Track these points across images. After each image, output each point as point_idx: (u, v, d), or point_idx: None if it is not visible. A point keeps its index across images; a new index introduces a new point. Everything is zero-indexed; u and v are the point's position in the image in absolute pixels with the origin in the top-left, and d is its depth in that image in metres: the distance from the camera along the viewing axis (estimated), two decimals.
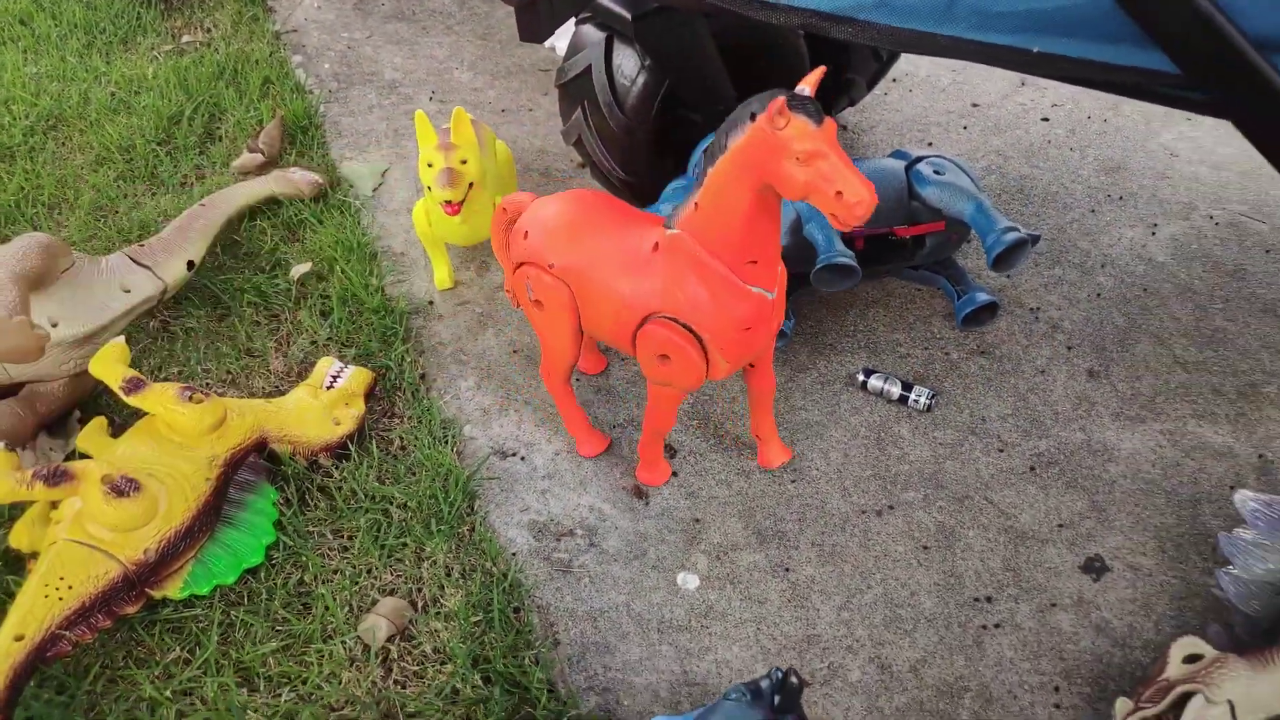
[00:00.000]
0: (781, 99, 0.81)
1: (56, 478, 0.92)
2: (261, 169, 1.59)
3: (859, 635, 0.96)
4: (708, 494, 1.10)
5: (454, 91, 1.81)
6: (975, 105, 1.76)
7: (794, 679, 0.78)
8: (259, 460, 1.08)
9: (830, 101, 1.58)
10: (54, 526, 0.94)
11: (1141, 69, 0.82)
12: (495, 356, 1.28)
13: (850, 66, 1.52)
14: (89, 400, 1.20)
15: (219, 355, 1.27)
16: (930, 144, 1.65)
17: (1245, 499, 0.96)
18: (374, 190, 1.57)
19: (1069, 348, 1.27)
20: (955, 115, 1.73)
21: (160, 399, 1.02)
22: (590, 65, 1.30)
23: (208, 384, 1.24)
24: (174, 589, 0.96)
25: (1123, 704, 0.87)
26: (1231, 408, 1.18)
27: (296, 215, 1.48)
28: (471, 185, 1.22)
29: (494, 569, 1.01)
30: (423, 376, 1.25)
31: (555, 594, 1.00)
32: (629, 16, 1.17)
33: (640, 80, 1.27)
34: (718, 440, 1.16)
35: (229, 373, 1.25)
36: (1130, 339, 1.28)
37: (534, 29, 1.06)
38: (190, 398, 1.03)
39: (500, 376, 1.25)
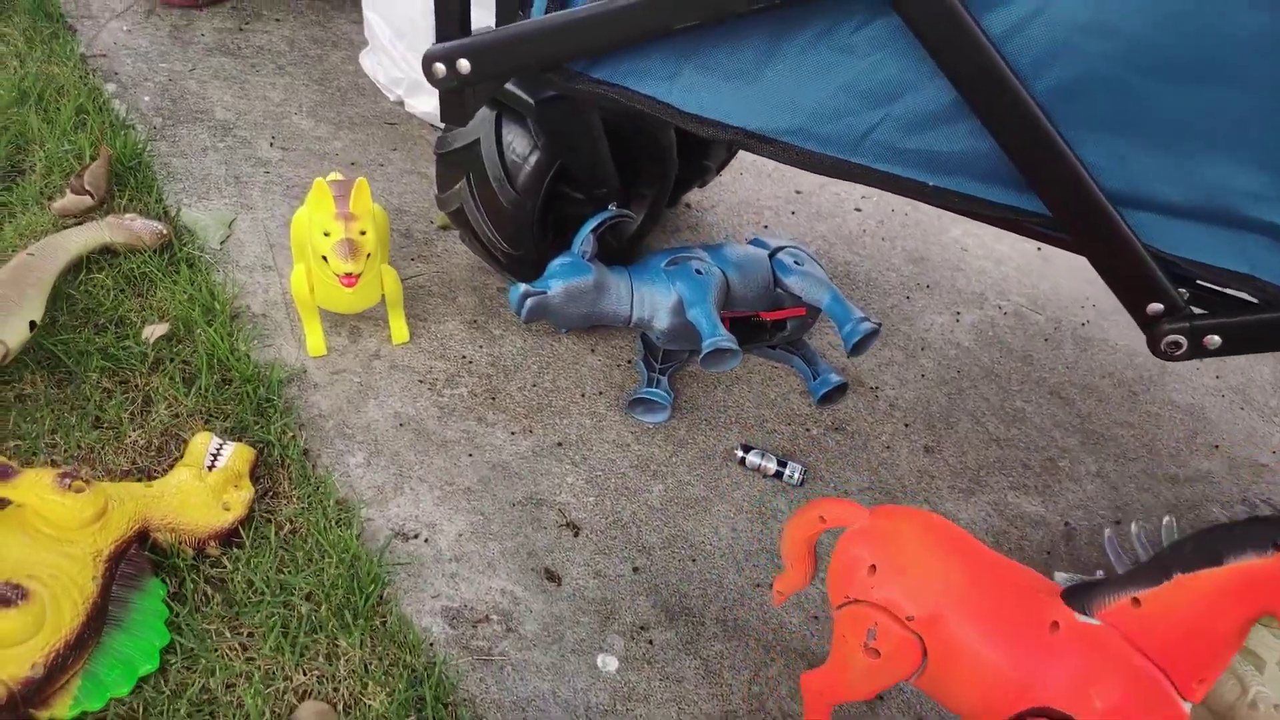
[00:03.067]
0: None
1: None
2: (88, 213, 1.44)
3: (770, 709, 1.04)
4: (614, 572, 1.14)
5: (296, 139, 1.74)
6: (798, 192, 1.94)
7: None
8: (141, 552, 0.99)
9: (686, 185, 1.68)
10: None
11: (1020, 209, 0.98)
12: (382, 430, 1.24)
13: (708, 155, 1.63)
14: None
15: (65, 428, 1.14)
16: (765, 226, 1.80)
17: (1059, 578, 1.15)
18: (221, 243, 1.47)
19: (906, 425, 1.44)
20: (783, 200, 1.90)
21: (35, 488, 0.92)
22: (479, 139, 1.31)
23: (54, 460, 1.11)
24: (62, 708, 0.86)
25: None
26: (1038, 480, 1.39)
27: (139, 268, 1.36)
28: (369, 255, 1.19)
29: (415, 663, 0.99)
30: (306, 452, 1.19)
31: (479, 684, 1.00)
32: (532, 101, 1.20)
33: (532, 158, 1.30)
34: (616, 518, 1.20)
35: (79, 447, 1.13)
36: (953, 417, 1.47)
37: (458, 114, 1.07)
38: (69, 485, 0.93)
39: (389, 452, 1.22)
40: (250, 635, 0.98)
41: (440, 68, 1.02)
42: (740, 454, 1.31)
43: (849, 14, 0.91)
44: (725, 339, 1.24)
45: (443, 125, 1.42)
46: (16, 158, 1.52)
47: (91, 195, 1.45)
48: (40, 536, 0.92)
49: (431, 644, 1.02)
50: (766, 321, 1.44)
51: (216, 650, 0.96)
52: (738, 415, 1.39)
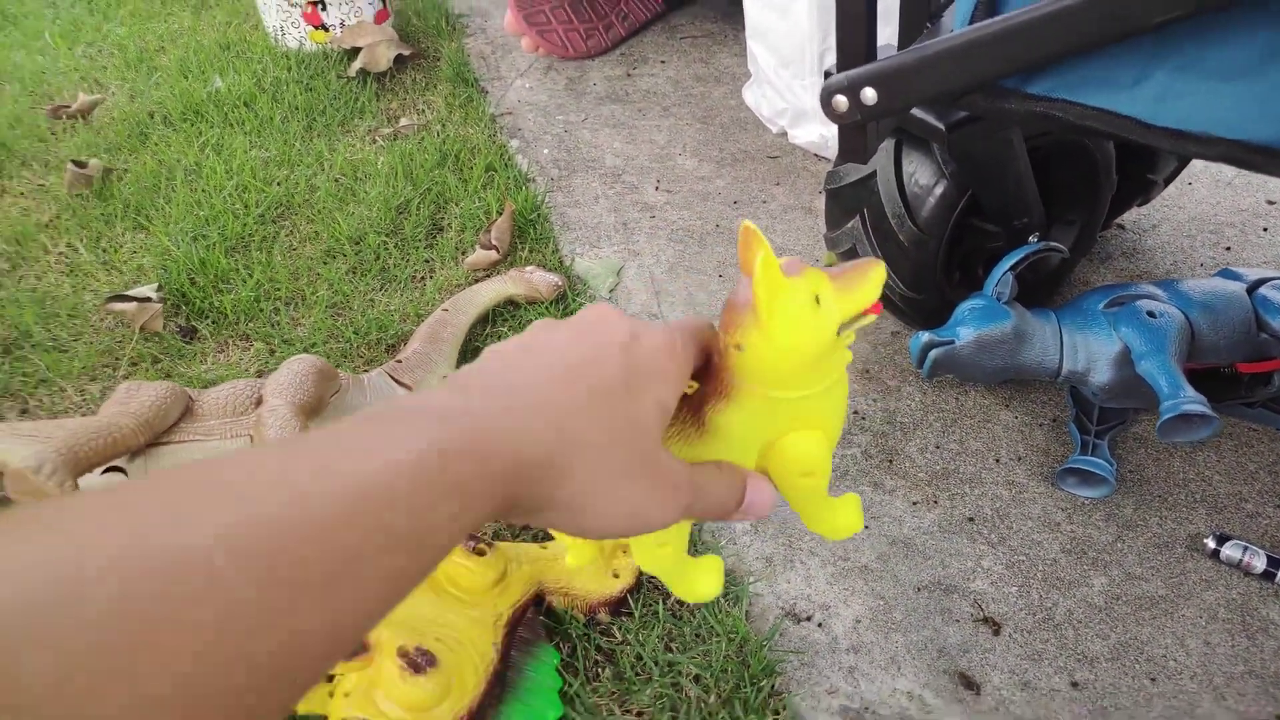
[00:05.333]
0: None
1: (355, 650, 0.84)
2: (494, 267, 1.52)
3: None
4: (1047, 686, 0.94)
5: (680, 181, 1.72)
6: (1271, 203, 1.56)
7: None
8: (537, 617, 0.98)
9: (1125, 204, 1.41)
10: (340, 698, 0.86)
11: None
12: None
13: (1153, 167, 1.36)
14: None
15: None
16: (1228, 249, 1.47)
17: None
18: (610, 291, 1.48)
19: None
20: (1249, 215, 1.54)
21: None
22: (875, 171, 1.18)
23: None
24: None
25: None
26: None
27: (537, 319, 1.40)
28: None
29: None
30: None
31: None
32: (943, 126, 1.05)
33: (939, 189, 1.14)
34: (1047, 616, 1.00)
35: None
36: None
37: (858, 150, 0.95)
38: (474, 548, 0.94)
39: (778, 519, 1.12)
40: (639, 716, 0.93)
41: (841, 100, 0.90)
42: (1213, 544, 1.04)
43: None
44: (1193, 401, 0.99)
45: (826, 155, 1.32)
46: (437, 216, 1.66)
47: (497, 250, 1.53)
48: (446, 597, 0.94)
49: None
50: (1242, 374, 1.15)
51: None
52: (1204, 492, 1.12)
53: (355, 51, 2.13)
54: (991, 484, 1.15)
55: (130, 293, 1.47)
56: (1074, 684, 0.94)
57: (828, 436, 0.44)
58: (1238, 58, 0.72)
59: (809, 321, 0.38)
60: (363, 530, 0.23)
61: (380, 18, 2.18)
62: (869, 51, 0.89)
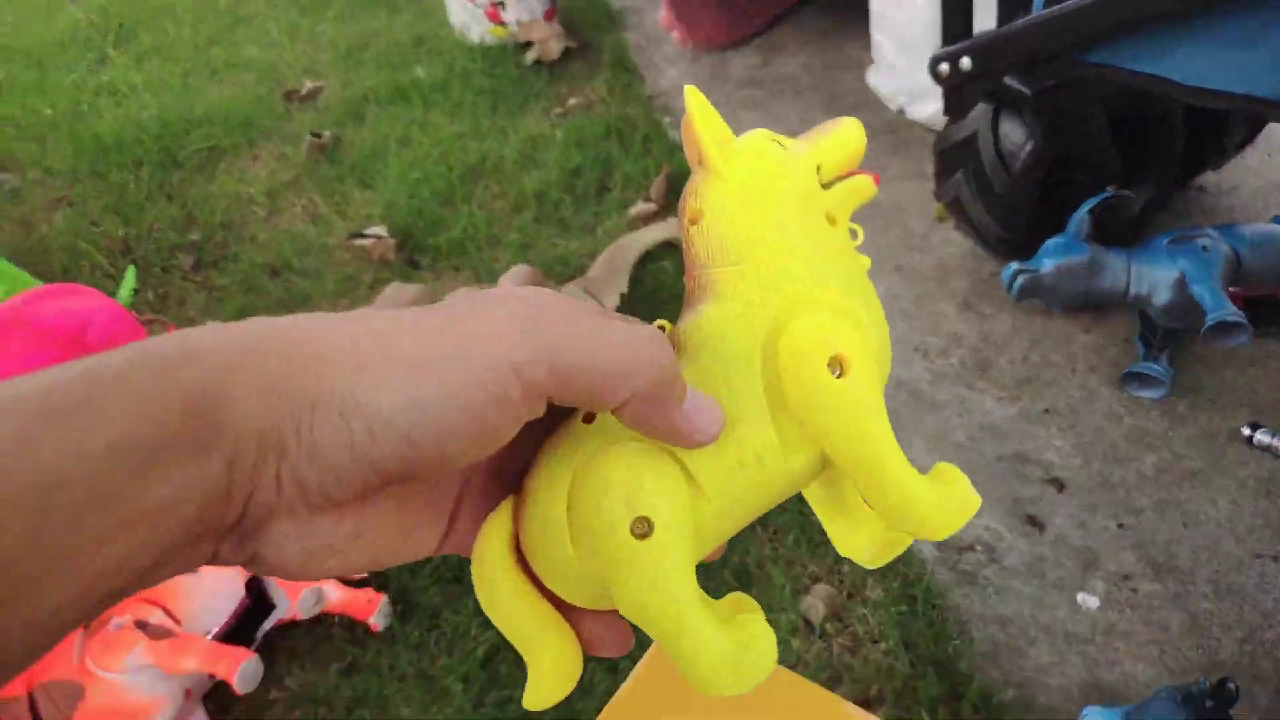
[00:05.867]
0: None
1: None
2: (653, 218, 1.85)
3: (1263, 667, 1.03)
4: (1098, 526, 1.20)
5: None
6: None
7: (1230, 687, 0.87)
8: None
9: (1199, 165, 1.63)
10: None
11: None
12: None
13: (1225, 132, 1.58)
14: None
15: None
16: None
17: None
18: None
19: None
20: None
21: None
22: (975, 133, 1.45)
23: None
24: None
25: None
26: None
27: None
28: None
29: (907, 571, 1.16)
30: None
31: (964, 598, 1.14)
32: (1029, 92, 1.31)
33: (1028, 147, 1.40)
34: (1104, 480, 1.26)
35: None
36: None
37: (958, 108, 1.23)
38: None
39: (888, 409, 1.40)
40: (775, 532, 1.23)
41: (945, 67, 1.18)
42: (1248, 431, 1.27)
43: None
44: (1230, 313, 1.23)
45: (939, 130, 1.58)
46: (604, 178, 2.00)
47: (655, 204, 1.85)
48: None
49: (922, 560, 1.18)
50: None
51: (752, 539, 1.22)
52: (1250, 398, 1.34)
53: (529, 44, 2.49)
54: (1067, 386, 1.40)
55: (367, 231, 1.86)
56: (1120, 526, 1.20)
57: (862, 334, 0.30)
58: (1243, 31, 0.98)
59: (770, 153, 0.32)
60: None
61: (549, 15, 2.53)
62: (966, 30, 1.17)
